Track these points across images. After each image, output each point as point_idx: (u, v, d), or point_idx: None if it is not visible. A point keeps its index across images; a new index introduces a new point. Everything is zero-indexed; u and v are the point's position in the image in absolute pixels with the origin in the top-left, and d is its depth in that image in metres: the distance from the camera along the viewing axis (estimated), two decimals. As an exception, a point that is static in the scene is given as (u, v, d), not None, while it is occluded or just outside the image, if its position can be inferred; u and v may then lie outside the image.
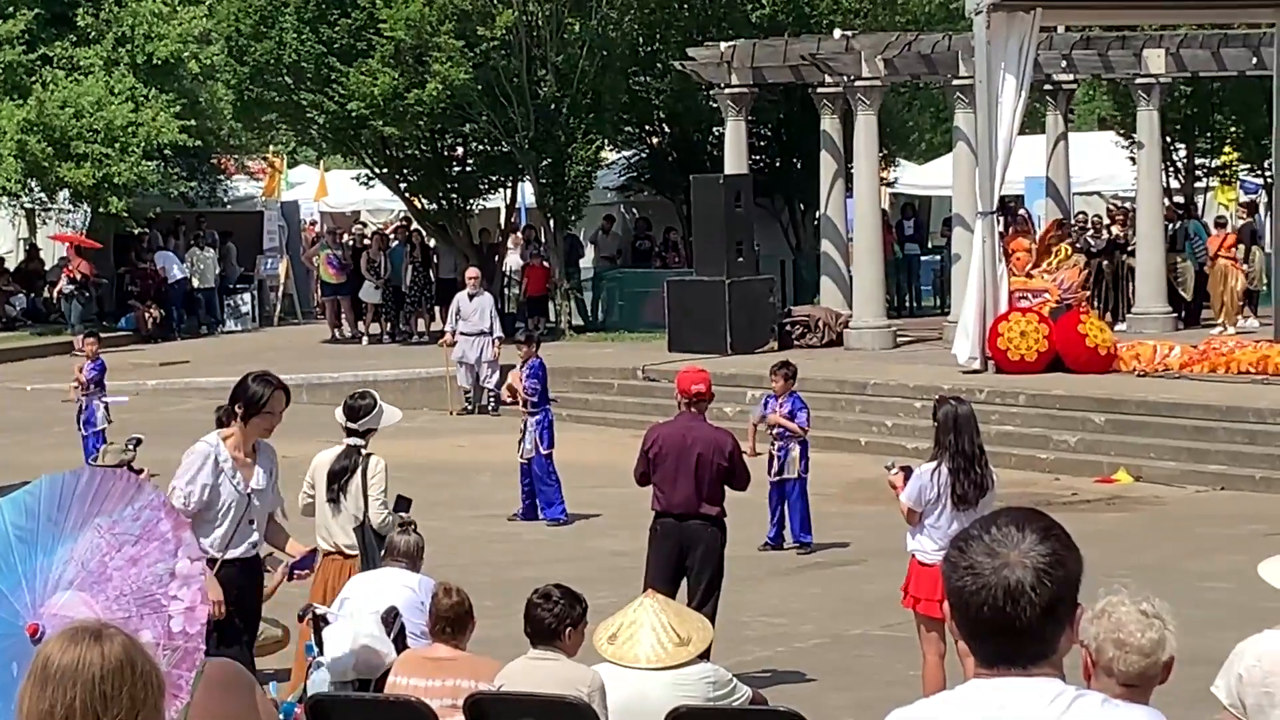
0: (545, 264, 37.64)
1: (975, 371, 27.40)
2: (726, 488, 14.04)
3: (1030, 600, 3.88)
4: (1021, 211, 34.12)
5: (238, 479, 11.29)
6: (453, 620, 10.13)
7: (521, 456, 21.47)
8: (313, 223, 47.47)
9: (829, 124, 33.37)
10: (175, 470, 11.31)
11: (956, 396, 13.83)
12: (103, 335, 27.93)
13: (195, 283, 40.61)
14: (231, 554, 11.29)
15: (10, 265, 44.37)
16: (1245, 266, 33.25)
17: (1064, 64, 34.10)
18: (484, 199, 40.35)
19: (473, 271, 30.40)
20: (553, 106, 35.84)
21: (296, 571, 12.09)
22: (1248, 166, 40.54)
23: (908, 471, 12.89)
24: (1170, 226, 33.72)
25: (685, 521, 13.84)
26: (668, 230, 41.03)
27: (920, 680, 12.50)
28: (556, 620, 9.61)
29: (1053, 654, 3.96)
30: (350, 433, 13.48)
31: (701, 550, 13.81)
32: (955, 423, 12.59)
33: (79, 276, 38.77)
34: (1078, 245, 32.27)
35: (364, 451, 13.32)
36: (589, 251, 42.88)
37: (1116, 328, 30.63)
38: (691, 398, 14.22)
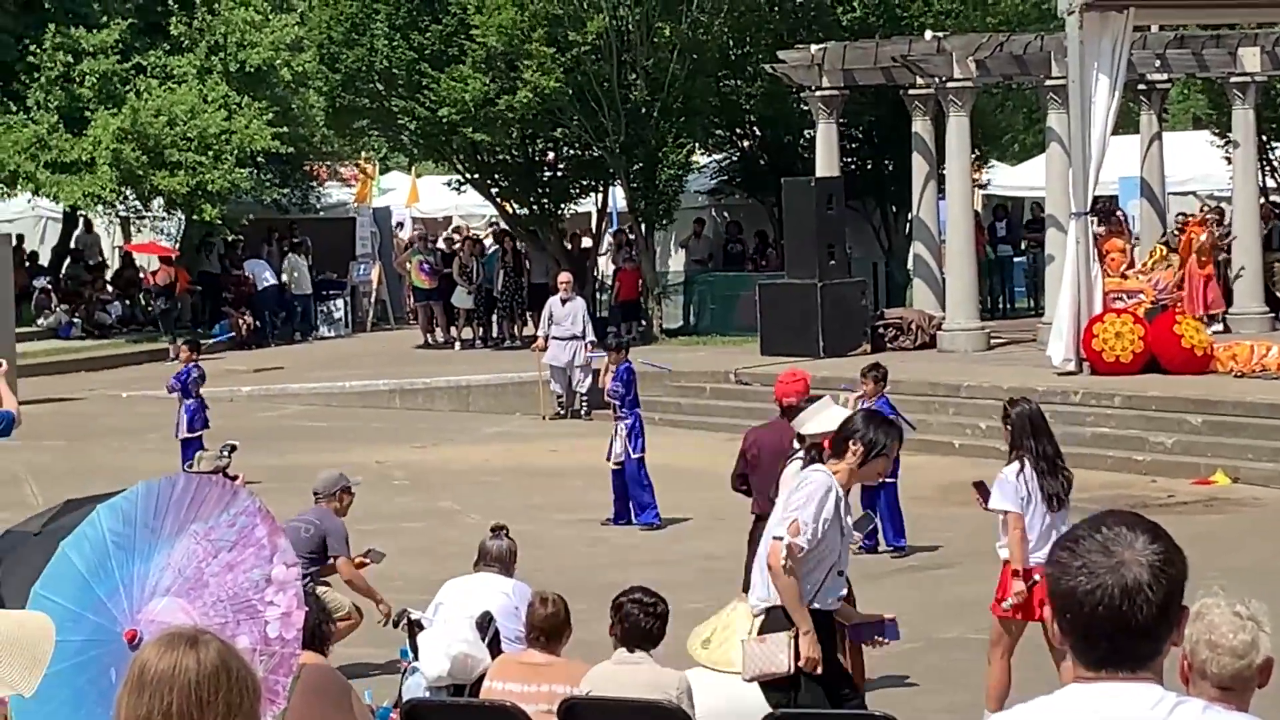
0: (637, 268, 37.65)
1: (1070, 373, 27.22)
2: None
3: (1147, 598, 3.88)
4: (1117, 212, 33.87)
5: (845, 522, 9.98)
6: (548, 630, 10.13)
7: (612, 461, 21.46)
8: (416, 231, 47.55)
9: (920, 125, 33.25)
10: (791, 497, 10.00)
11: (1024, 397, 13.79)
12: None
13: (291, 289, 40.83)
14: (816, 605, 9.92)
15: (106, 273, 44.79)
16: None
17: (1158, 63, 33.82)
18: (575, 203, 40.40)
19: (565, 276, 30.40)
20: (643, 110, 35.84)
21: (879, 639, 10.94)
22: (1344, 165, 40.15)
23: None
24: (1266, 226, 33.43)
25: (784, 524, 13.72)
26: (759, 233, 41.00)
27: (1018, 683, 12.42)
28: (658, 622, 9.61)
29: (1160, 655, 3.95)
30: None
31: (800, 554, 13.68)
32: (1033, 425, 12.59)
33: (154, 285, 39.06)
34: (1172, 246, 32.04)
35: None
36: (680, 255, 42.85)
37: (1212, 328, 30.36)
38: (783, 409, 14.16)
